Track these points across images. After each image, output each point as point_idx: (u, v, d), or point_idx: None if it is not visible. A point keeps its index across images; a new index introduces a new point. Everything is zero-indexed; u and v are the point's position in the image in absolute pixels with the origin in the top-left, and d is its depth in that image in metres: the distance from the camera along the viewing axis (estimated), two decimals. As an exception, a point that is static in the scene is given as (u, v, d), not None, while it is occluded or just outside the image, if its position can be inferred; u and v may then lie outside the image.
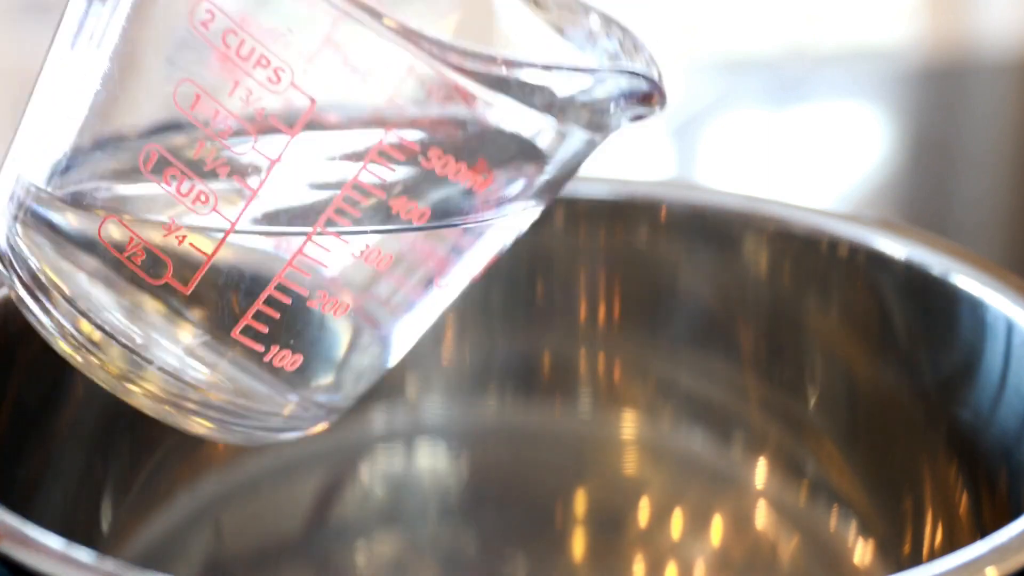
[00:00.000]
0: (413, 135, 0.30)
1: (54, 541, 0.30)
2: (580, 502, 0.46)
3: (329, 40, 0.29)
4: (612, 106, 0.31)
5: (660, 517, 0.45)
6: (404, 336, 0.35)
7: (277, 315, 0.31)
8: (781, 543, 0.44)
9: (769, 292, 0.44)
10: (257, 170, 0.30)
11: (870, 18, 1.35)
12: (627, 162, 0.79)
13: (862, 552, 0.42)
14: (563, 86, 0.30)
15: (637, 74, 0.32)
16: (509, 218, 0.33)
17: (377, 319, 0.33)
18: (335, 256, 0.31)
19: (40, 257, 0.32)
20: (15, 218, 0.32)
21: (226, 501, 0.44)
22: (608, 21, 0.36)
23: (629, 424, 0.46)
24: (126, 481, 0.42)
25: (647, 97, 0.32)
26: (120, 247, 0.31)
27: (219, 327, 0.32)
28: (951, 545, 0.39)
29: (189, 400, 0.33)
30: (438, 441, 0.46)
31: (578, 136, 0.31)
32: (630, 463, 0.46)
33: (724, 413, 0.45)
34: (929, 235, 0.42)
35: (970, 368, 0.40)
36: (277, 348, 0.32)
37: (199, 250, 0.31)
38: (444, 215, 0.31)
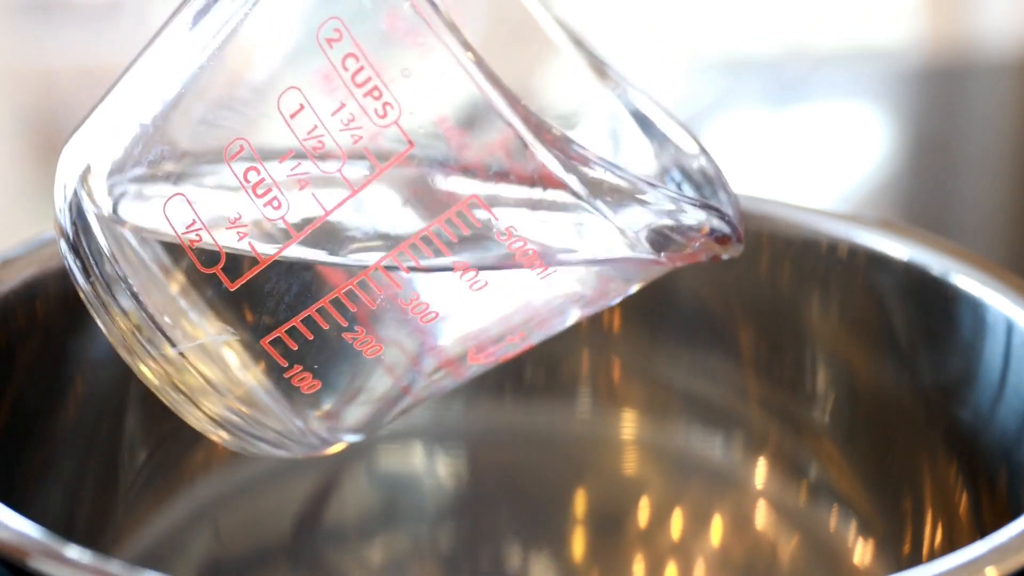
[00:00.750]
0: (497, 205, 0.30)
1: (55, 542, 0.30)
2: (580, 502, 0.46)
3: (446, 96, 0.29)
4: (688, 237, 0.32)
5: (660, 517, 0.45)
6: (421, 394, 0.35)
7: (311, 336, 0.32)
8: (781, 543, 0.44)
9: (769, 292, 0.44)
10: (336, 193, 0.30)
11: (870, 18, 1.35)
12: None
13: (862, 552, 0.42)
14: (650, 204, 0.30)
15: (723, 215, 0.32)
16: (555, 308, 0.33)
17: (402, 371, 0.34)
18: (384, 298, 0.31)
19: (98, 217, 0.32)
20: (84, 174, 0.33)
21: (226, 501, 0.44)
22: (706, 154, 0.37)
23: (629, 424, 0.46)
24: (126, 481, 0.42)
25: (724, 239, 0.33)
26: (180, 226, 0.31)
27: (251, 331, 0.32)
28: (951, 545, 0.39)
29: (195, 393, 0.33)
30: (437, 441, 0.46)
31: (643, 253, 0.32)
32: (630, 463, 0.46)
33: (724, 413, 0.45)
34: (929, 235, 0.42)
35: (970, 368, 0.40)
36: (300, 368, 0.32)
37: (256, 252, 0.31)
38: (499, 288, 0.32)
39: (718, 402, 0.45)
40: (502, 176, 0.30)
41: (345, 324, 0.31)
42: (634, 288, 0.34)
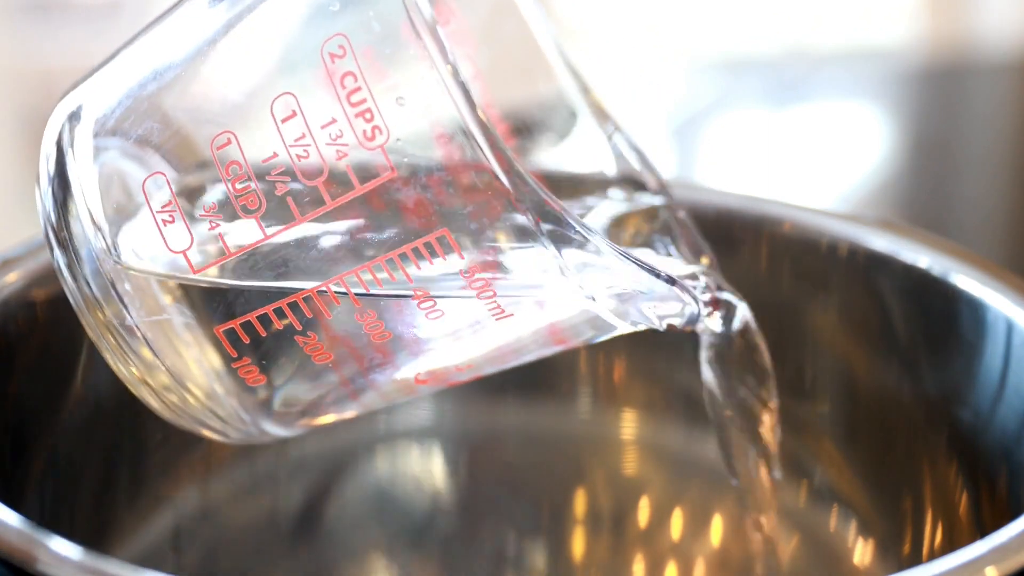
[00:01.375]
0: (465, 241, 0.30)
1: (55, 541, 0.30)
2: (580, 502, 0.46)
3: (437, 131, 0.29)
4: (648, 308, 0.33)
5: (660, 517, 0.45)
6: (363, 405, 0.35)
7: (263, 333, 0.32)
8: (781, 543, 0.44)
9: (769, 292, 0.44)
10: (313, 203, 0.30)
11: (870, 18, 1.35)
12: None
13: (862, 552, 0.42)
14: (615, 270, 0.31)
15: (689, 292, 0.33)
16: (507, 348, 0.34)
17: (348, 382, 0.34)
18: (341, 310, 0.32)
19: (82, 171, 0.33)
20: (71, 128, 0.33)
21: (226, 501, 0.44)
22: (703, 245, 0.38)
23: (629, 424, 0.46)
24: (126, 481, 0.42)
25: (693, 320, 0.34)
26: (156, 203, 0.32)
27: (206, 317, 0.32)
28: (951, 545, 0.39)
29: (146, 367, 0.34)
30: (438, 442, 0.46)
31: (601, 313, 0.32)
32: (630, 463, 0.46)
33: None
34: (929, 235, 0.42)
35: (970, 368, 0.40)
36: (248, 361, 0.33)
37: (224, 244, 0.31)
38: (454, 322, 0.32)
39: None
40: (476, 217, 0.30)
41: (299, 328, 0.32)
42: (593, 340, 0.34)
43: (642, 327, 0.33)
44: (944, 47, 1.28)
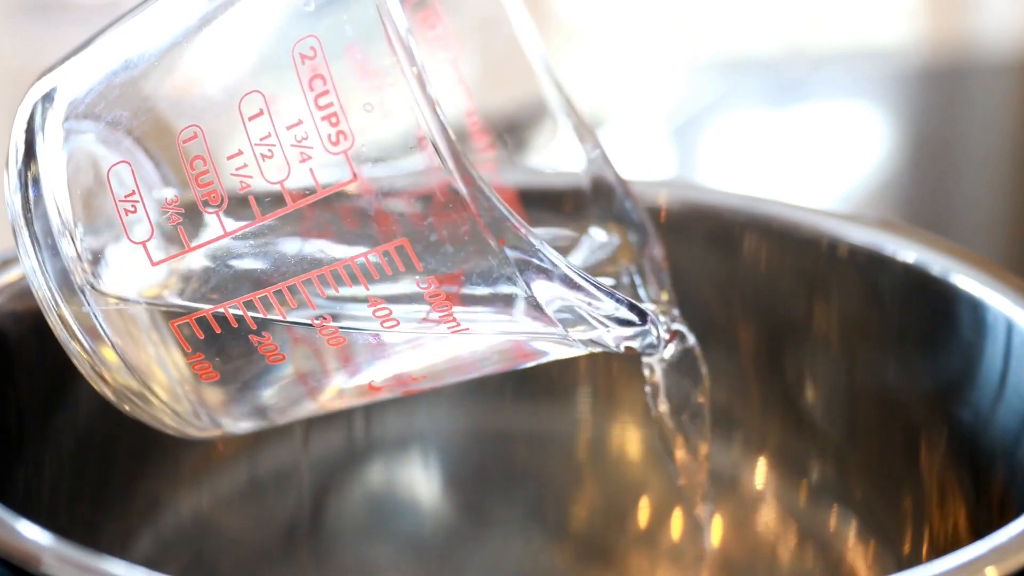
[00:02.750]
0: (424, 254, 0.30)
1: (54, 541, 0.30)
2: (580, 502, 0.46)
3: (403, 141, 0.29)
4: (600, 323, 0.32)
5: (660, 517, 0.45)
6: (320, 405, 0.35)
7: (218, 330, 0.32)
8: (781, 543, 0.44)
9: (769, 292, 0.44)
10: (274, 204, 0.30)
11: (870, 18, 1.35)
12: (627, 162, 0.79)
13: (862, 552, 0.42)
14: (569, 284, 0.31)
15: (638, 309, 0.33)
16: (461, 361, 0.34)
17: (300, 385, 0.34)
18: (297, 312, 0.31)
19: (51, 156, 0.33)
20: (43, 110, 0.33)
21: (226, 501, 0.44)
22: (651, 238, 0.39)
23: (629, 425, 0.46)
24: (126, 481, 0.42)
25: (652, 347, 0.34)
26: (119, 194, 0.32)
27: (162, 311, 0.32)
28: (951, 545, 0.39)
29: (106, 364, 0.34)
30: (437, 442, 0.46)
31: (555, 329, 0.32)
32: (630, 463, 0.46)
33: (724, 413, 0.45)
34: (929, 235, 0.42)
35: (970, 368, 0.40)
36: (202, 357, 0.33)
37: (184, 237, 0.31)
38: (409, 331, 0.32)
39: (718, 402, 0.45)
40: (437, 230, 0.30)
41: (254, 327, 0.32)
42: (548, 357, 0.34)
43: (599, 350, 0.33)
44: (944, 47, 1.28)
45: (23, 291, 0.39)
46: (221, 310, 0.32)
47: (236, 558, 0.44)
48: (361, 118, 0.29)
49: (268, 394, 0.34)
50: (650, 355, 0.36)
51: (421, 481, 0.46)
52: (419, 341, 0.32)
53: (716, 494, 0.45)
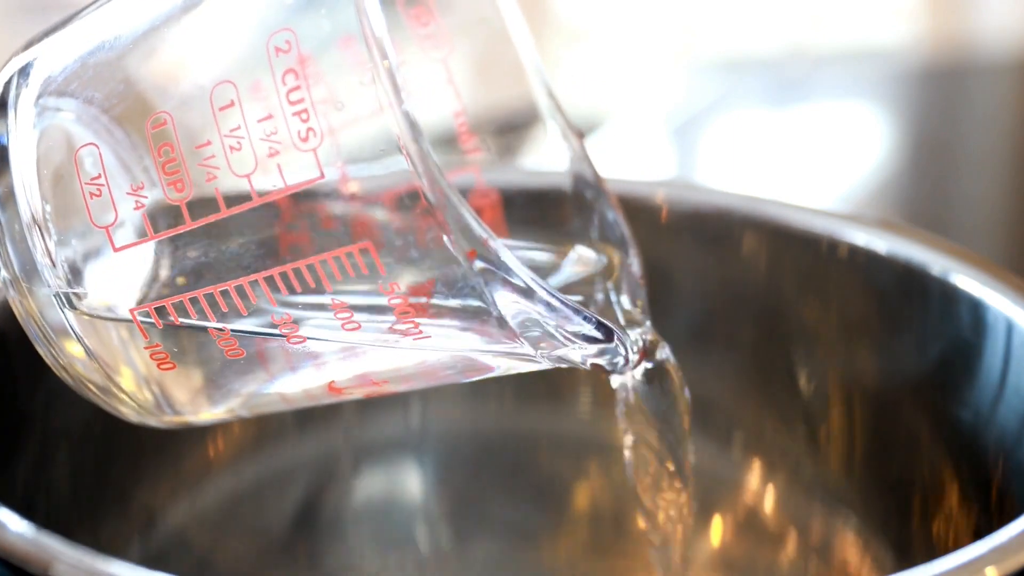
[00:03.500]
0: (389, 259, 0.30)
1: (54, 541, 0.30)
2: (580, 502, 0.46)
3: (373, 143, 0.29)
4: (565, 340, 0.32)
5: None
6: (284, 401, 0.35)
7: (178, 322, 0.32)
8: (780, 543, 0.44)
9: (769, 292, 0.44)
10: (240, 197, 0.30)
11: (870, 18, 1.35)
12: (627, 162, 0.79)
13: (862, 552, 0.42)
14: (535, 298, 0.30)
15: (606, 328, 0.32)
16: (422, 369, 0.33)
17: (257, 381, 0.34)
18: (256, 308, 0.31)
19: (22, 134, 0.32)
20: (18, 84, 0.33)
21: (225, 501, 0.44)
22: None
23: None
24: (125, 482, 0.42)
25: (620, 367, 0.33)
26: (86, 175, 0.31)
27: (122, 296, 0.32)
28: (951, 545, 0.39)
29: (59, 347, 0.33)
30: (437, 442, 0.46)
31: (518, 343, 0.32)
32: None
33: (724, 413, 0.45)
34: (929, 235, 0.42)
35: (970, 368, 0.40)
36: (160, 347, 0.32)
37: (147, 225, 0.31)
38: (369, 336, 0.32)
39: (718, 402, 0.45)
40: (402, 235, 0.29)
41: (212, 320, 0.31)
42: (515, 370, 0.34)
43: (564, 366, 0.33)
44: (944, 47, 1.28)
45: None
46: (181, 301, 0.31)
47: (235, 558, 0.44)
48: (332, 117, 0.29)
49: (228, 389, 0.34)
50: (619, 373, 0.35)
51: (419, 482, 0.46)
52: (380, 346, 0.32)
53: (716, 494, 0.45)
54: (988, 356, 0.39)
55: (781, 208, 0.44)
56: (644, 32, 1.31)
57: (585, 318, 0.31)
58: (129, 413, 0.34)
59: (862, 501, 0.42)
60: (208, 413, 0.35)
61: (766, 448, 0.44)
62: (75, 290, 0.32)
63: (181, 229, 0.31)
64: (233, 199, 0.30)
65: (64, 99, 0.32)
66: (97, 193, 0.31)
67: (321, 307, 0.31)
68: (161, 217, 0.31)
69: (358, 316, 0.31)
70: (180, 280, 0.31)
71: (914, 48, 1.28)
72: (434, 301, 0.30)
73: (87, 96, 0.32)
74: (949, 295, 0.40)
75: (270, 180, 0.30)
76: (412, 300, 0.30)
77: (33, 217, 0.32)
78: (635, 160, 0.80)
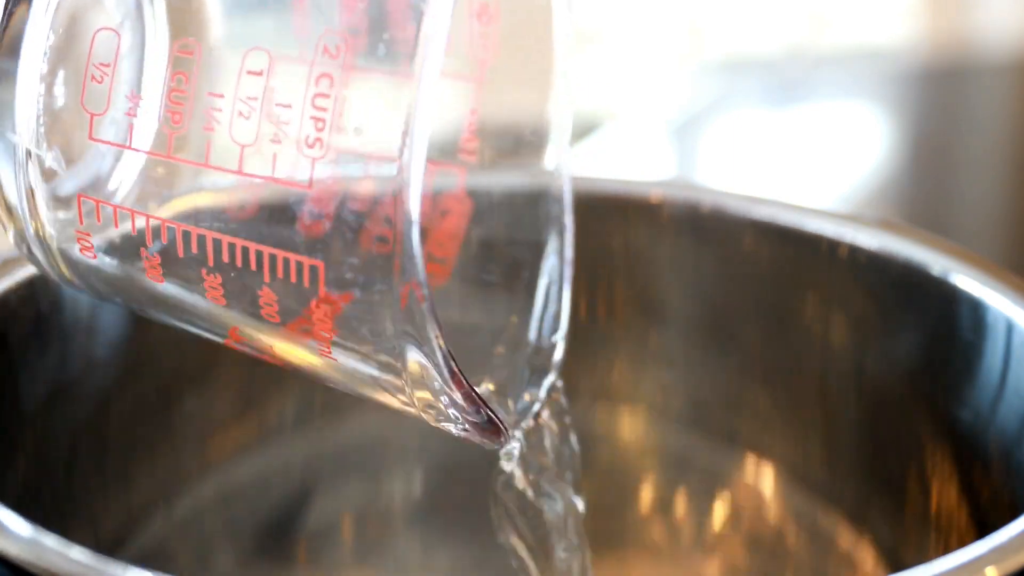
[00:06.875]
0: (331, 288, 0.29)
1: (53, 541, 0.30)
2: (580, 502, 0.46)
3: (368, 182, 0.29)
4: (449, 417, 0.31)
5: (660, 517, 0.45)
6: (176, 323, 0.34)
7: (117, 226, 0.31)
8: (781, 543, 0.44)
9: (769, 292, 0.44)
10: (226, 159, 0.30)
11: (870, 18, 1.35)
12: (627, 162, 0.79)
13: (862, 552, 0.42)
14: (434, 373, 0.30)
15: (488, 417, 0.32)
16: (332, 378, 0.33)
17: (170, 308, 0.33)
18: (192, 257, 0.31)
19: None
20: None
21: (225, 501, 0.44)
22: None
23: (629, 424, 0.46)
24: (123, 482, 0.42)
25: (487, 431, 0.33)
26: (96, 56, 0.31)
27: (75, 179, 0.32)
28: (951, 545, 0.39)
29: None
30: (437, 441, 0.46)
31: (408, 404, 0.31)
32: (630, 463, 0.46)
33: (724, 413, 0.45)
34: (929, 235, 0.42)
35: (970, 368, 0.40)
36: (90, 236, 0.32)
37: (130, 133, 0.31)
38: (285, 334, 0.31)
39: (718, 402, 0.45)
40: (354, 272, 0.29)
41: (148, 244, 0.31)
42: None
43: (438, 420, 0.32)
44: (944, 47, 1.28)
45: (23, 290, 0.39)
46: (127, 212, 0.31)
47: (234, 558, 0.44)
48: (346, 138, 0.29)
49: (135, 295, 0.33)
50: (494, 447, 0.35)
51: (419, 479, 0.46)
52: (288, 341, 0.31)
53: (716, 493, 0.45)
54: (988, 356, 0.39)
55: (781, 208, 0.44)
56: (645, 32, 1.31)
57: (463, 397, 0.30)
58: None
59: (862, 500, 0.42)
60: (99, 296, 0.34)
61: (766, 448, 0.44)
62: (38, 151, 0.32)
63: (159, 156, 0.30)
64: (219, 157, 0.30)
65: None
66: (99, 79, 0.31)
67: (251, 288, 0.30)
68: (146, 135, 0.31)
69: (280, 311, 0.30)
70: (135, 194, 0.31)
71: (914, 48, 1.28)
72: (351, 332, 0.30)
73: None
74: (949, 295, 0.40)
75: (260, 162, 0.29)
76: (333, 324, 0.30)
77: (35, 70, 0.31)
78: (635, 160, 0.80)
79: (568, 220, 0.38)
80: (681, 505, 0.45)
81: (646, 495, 0.46)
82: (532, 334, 0.38)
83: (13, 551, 0.29)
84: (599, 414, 0.46)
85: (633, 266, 0.45)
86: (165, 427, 0.42)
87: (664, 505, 0.45)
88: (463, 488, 0.45)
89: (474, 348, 0.37)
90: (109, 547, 0.40)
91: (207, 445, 0.43)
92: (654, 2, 1.34)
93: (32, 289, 0.39)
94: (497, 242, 0.39)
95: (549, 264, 0.38)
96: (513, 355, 0.38)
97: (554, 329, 0.38)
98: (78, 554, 0.29)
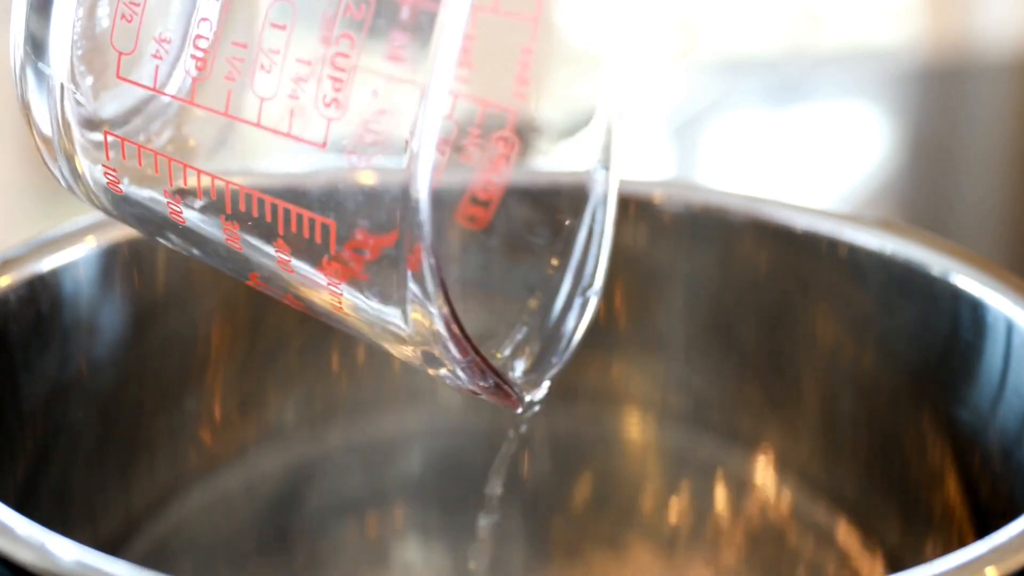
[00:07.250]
0: (343, 241, 0.29)
1: (54, 541, 0.30)
2: (580, 502, 0.46)
3: (385, 137, 0.29)
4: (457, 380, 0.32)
5: (659, 517, 0.45)
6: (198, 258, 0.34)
7: (141, 165, 0.31)
8: (781, 543, 0.44)
9: (769, 292, 0.44)
10: (244, 112, 0.30)
11: (870, 18, 1.35)
12: (627, 162, 0.79)
13: (862, 552, 0.42)
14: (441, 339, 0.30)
15: (498, 381, 0.32)
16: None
17: (191, 244, 0.33)
18: (213, 204, 0.31)
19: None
20: None
21: (225, 501, 0.44)
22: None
23: (629, 424, 0.46)
24: (123, 482, 0.42)
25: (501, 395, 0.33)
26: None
27: (103, 115, 0.32)
28: (951, 545, 0.39)
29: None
30: (437, 440, 0.46)
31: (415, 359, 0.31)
32: (630, 463, 0.46)
33: (724, 413, 0.45)
34: (929, 235, 0.42)
35: (970, 368, 0.40)
36: (117, 174, 0.32)
37: (156, 76, 0.31)
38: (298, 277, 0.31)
39: (718, 402, 0.45)
40: (363, 233, 0.29)
41: (171, 187, 0.31)
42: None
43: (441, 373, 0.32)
44: (944, 47, 1.28)
45: (23, 290, 0.39)
46: (150, 153, 0.31)
47: (234, 558, 0.44)
48: (362, 98, 0.28)
49: (162, 230, 0.33)
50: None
51: (418, 479, 0.46)
52: (307, 289, 0.31)
53: (716, 493, 0.45)
54: (988, 356, 0.39)
55: (781, 208, 0.44)
56: (644, 32, 1.31)
57: (470, 363, 0.30)
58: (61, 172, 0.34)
59: (862, 500, 0.42)
60: (122, 221, 0.34)
61: (766, 447, 0.44)
62: (71, 85, 0.32)
63: (182, 101, 0.31)
64: (240, 109, 0.30)
65: None
66: (128, 18, 0.31)
67: (267, 237, 0.30)
68: (171, 79, 0.31)
69: (294, 264, 0.30)
70: (160, 138, 0.31)
71: (914, 48, 1.28)
72: (364, 300, 0.30)
73: None
74: (949, 295, 0.40)
75: (277, 117, 0.29)
76: (342, 283, 0.30)
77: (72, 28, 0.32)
78: (635, 160, 0.80)
79: (615, 162, 0.38)
80: (681, 504, 0.45)
81: (646, 494, 0.46)
82: (566, 289, 0.38)
83: (13, 551, 0.29)
84: (599, 414, 0.46)
85: (633, 266, 0.45)
86: (165, 427, 0.42)
87: (664, 504, 0.45)
88: (463, 488, 0.45)
89: (501, 309, 0.37)
90: (109, 547, 0.40)
91: (207, 445, 0.43)
92: (655, 2, 1.34)
93: (32, 289, 0.39)
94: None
95: (590, 212, 0.38)
96: (544, 317, 0.38)
97: (590, 284, 0.38)
98: (78, 554, 0.29)
